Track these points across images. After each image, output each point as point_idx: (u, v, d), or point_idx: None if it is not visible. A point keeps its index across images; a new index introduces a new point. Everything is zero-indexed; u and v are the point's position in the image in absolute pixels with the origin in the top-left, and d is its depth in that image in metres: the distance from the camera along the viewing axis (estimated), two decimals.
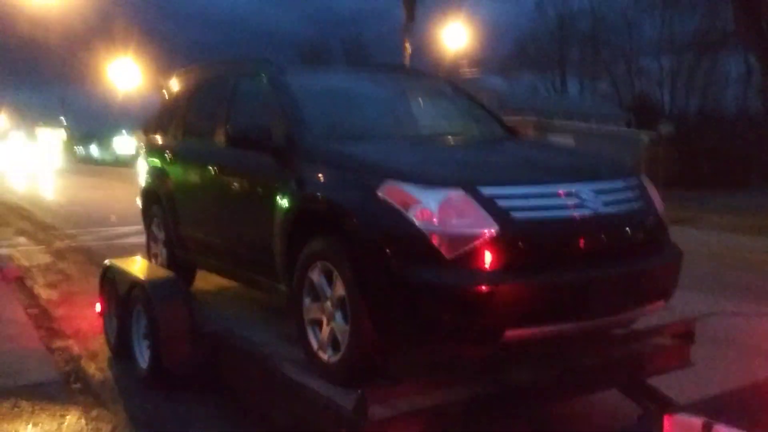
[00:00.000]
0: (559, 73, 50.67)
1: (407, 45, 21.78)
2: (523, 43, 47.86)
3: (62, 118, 76.87)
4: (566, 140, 21.11)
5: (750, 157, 29.07)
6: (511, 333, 3.09)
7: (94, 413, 4.23)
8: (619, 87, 47.08)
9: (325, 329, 3.52)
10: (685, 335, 4.03)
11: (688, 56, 40.12)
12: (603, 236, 3.35)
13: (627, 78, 46.50)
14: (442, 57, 27.77)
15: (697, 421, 2.01)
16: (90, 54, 32.39)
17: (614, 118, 38.51)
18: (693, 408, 2.13)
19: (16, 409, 4.28)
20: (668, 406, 2.84)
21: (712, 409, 2.12)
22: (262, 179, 4.19)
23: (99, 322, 5.70)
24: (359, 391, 3.05)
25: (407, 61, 21.58)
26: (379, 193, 3.23)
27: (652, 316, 3.83)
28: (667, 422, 2.08)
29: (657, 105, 42.86)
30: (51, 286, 8.02)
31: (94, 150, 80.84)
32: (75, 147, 77.51)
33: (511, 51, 46.78)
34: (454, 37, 25.94)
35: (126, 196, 19.07)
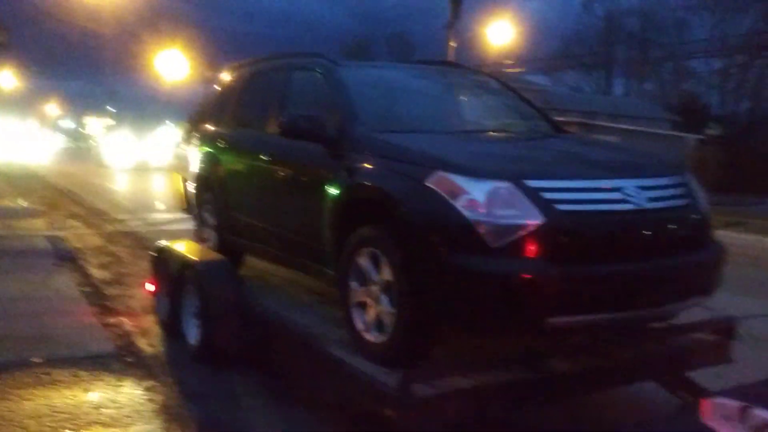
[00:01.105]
0: (605, 73, 49.98)
1: (451, 42, 21.80)
2: (568, 41, 47.29)
3: (109, 108, 78.45)
4: (610, 140, 20.90)
5: None
6: (552, 321, 3.19)
7: (147, 384, 4.45)
8: (667, 88, 46.26)
9: (371, 312, 3.66)
10: (726, 332, 4.07)
11: (740, 58, 39.20)
12: (646, 231, 3.43)
13: (674, 79, 45.64)
14: (487, 54, 27.72)
15: (735, 405, 2.09)
16: (138, 46, 33.05)
17: (660, 120, 37.90)
18: (730, 393, 2.21)
19: (74, 378, 4.52)
20: (705, 393, 2.90)
21: (748, 394, 2.19)
22: (314, 168, 4.34)
23: (150, 302, 5.95)
24: (402, 370, 3.19)
25: (452, 57, 21.60)
26: (429, 183, 3.36)
27: (694, 311, 3.88)
28: (705, 406, 2.17)
29: (705, 107, 41.99)
30: (102, 267, 8.32)
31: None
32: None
33: (557, 49, 46.25)
34: (499, 35, 25.85)
35: (170, 183, 19.61)
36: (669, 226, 3.53)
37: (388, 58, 47.35)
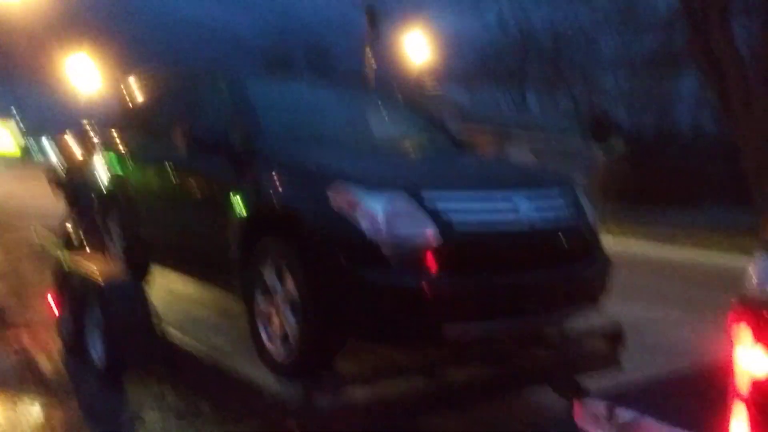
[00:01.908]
0: (520, 88, 51.45)
1: (370, 57, 22.05)
2: (485, 57, 48.47)
3: (13, 114, 75.17)
4: (524, 154, 21.58)
5: (704, 176, 29.98)
6: (447, 328, 3.32)
7: (44, 401, 4.32)
8: (578, 103, 48.04)
9: (276, 324, 3.69)
10: (615, 338, 4.30)
11: (645, 74, 41.15)
12: (535, 241, 3.61)
13: (586, 95, 47.44)
14: (406, 69, 28.11)
15: (602, 405, 2.25)
16: (47, 52, 31.91)
17: (572, 133, 39.27)
18: (600, 394, 2.37)
19: None
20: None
21: (618, 395, 2.36)
22: (220, 181, 4.34)
23: (51, 315, 5.76)
24: (305, 383, 3.24)
25: (371, 73, 21.85)
26: (328, 196, 3.43)
27: (584, 318, 4.10)
28: (576, 407, 2.32)
29: (613, 121, 43.80)
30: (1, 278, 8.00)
31: (45, 143, 79.10)
32: (25, 139, 75.82)
33: (474, 65, 47.29)
34: (417, 50, 26.31)
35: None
36: (557, 236, 3.73)
37: (308, 72, 47.32)
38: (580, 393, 3.98)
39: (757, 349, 1.96)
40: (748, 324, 1.94)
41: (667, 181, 28.42)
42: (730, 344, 1.95)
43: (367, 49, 22.17)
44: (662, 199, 26.12)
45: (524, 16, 45.19)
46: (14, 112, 72.45)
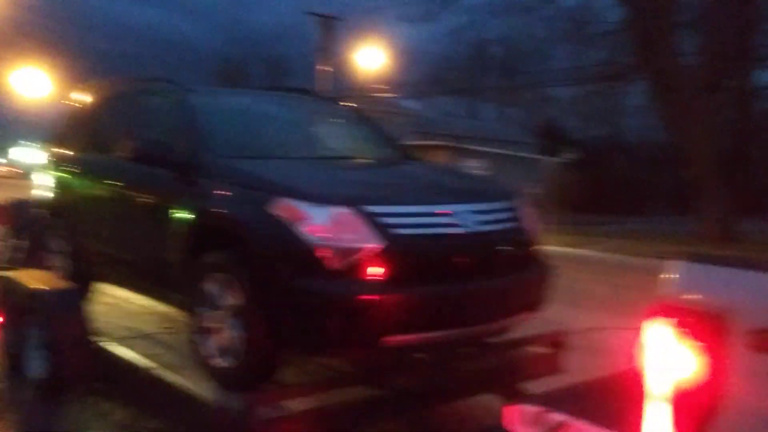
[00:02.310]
0: (474, 98, 52.12)
1: (321, 66, 22.10)
2: (439, 67, 49.00)
3: None
4: (477, 163, 21.87)
5: (651, 185, 30.77)
6: (389, 339, 3.37)
7: None
8: (532, 114, 48.85)
9: (219, 337, 3.69)
10: (557, 345, 4.39)
11: (595, 86, 42.05)
12: (477, 252, 3.69)
13: (538, 105, 48.27)
14: (359, 79, 28.26)
15: (531, 410, 2.31)
16: None
17: (527, 144, 39.92)
18: (532, 399, 2.43)
19: None
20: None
21: (548, 399, 2.43)
22: (164, 193, 4.33)
23: None
24: (248, 395, 3.25)
25: (324, 81, 21.90)
26: (272, 209, 3.46)
27: (527, 326, 4.19)
28: (506, 413, 2.38)
29: (565, 132, 44.68)
30: None
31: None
32: None
33: (428, 75, 47.77)
34: (371, 60, 26.48)
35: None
36: (498, 247, 3.82)
37: (262, 82, 47.16)
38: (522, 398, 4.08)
39: (675, 351, 2.05)
40: (666, 327, 2.03)
41: (615, 190, 29.08)
42: (645, 346, 2.04)
43: (319, 59, 22.20)
44: (611, 208, 26.70)
45: (478, 28, 45.88)
46: None
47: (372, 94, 27.95)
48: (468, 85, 49.51)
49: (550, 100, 47.69)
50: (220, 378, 3.62)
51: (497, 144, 34.82)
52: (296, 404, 3.34)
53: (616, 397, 2.52)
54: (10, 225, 7.38)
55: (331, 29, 22.23)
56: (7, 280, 5.54)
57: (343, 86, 28.68)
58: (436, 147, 24.54)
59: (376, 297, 3.31)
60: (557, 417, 2.26)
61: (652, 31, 17.19)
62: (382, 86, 30.65)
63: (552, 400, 2.43)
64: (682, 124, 17.50)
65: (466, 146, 28.54)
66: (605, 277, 11.78)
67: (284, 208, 3.43)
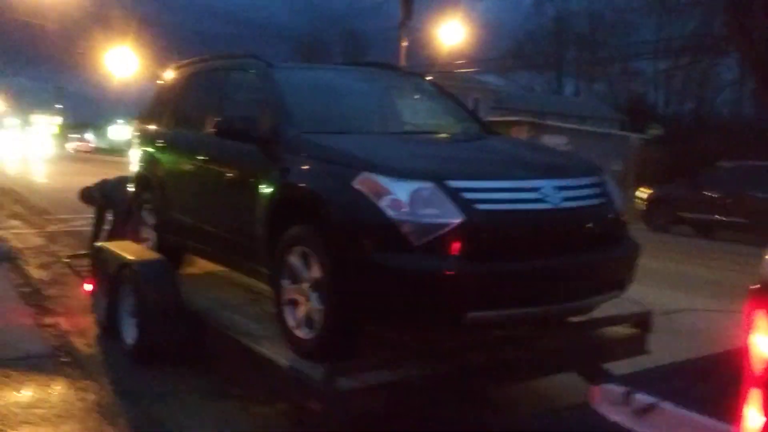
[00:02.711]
0: (556, 73, 50.89)
1: (403, 42, 21.99)
2: (520, 42, 47.97)
3: (57, 105, 76.73)
4: (558, 140, 21.37)
5: (743, 160, 29.32)
6: (471, 315, 3.34)
7: (81, 384, 4.46)
8: (615, 88, 47.36)
9: (302, 309, 3.75)
10: (642, 325, 4.28)
11: (684, 59, 40.32)
12: (562, 229, 3.61)
13: (622, 80, 46.70)
14: (439, 53, 27.98)
15: (619, 390, 2.25)
16: (88, 42, 32.39)
17: (609, 120, 38.80)
18: (620, 379, 2.37)
19: (5, 378, 4.50)
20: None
21: (636, 380, 2.36)
22: (248, 168, 4.41)
23: (89, 302, 5.92)
24: (328, 364, 3.30)
25: (403, 58, 21.79)
26: (354, 184, 3.47)
27: (611, 306, 4.08)
28: (594, 392, 2.33)
29: (650, 107, 43.13)
30: (42, 267, 8.22)
31: (89, 137, 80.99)
32: (69, 134, 77.60)
33: (509, 50, 46.84)
34: (451, 34, 26.15)
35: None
36: (584, 224, 3.72)
37: (341, 58, 47.39)
38: (605, 377, 3.99)
39: None
40: (766, 310, 1.93)
41: (703, 167, 27.84)
42: (747, 330, 1.94)
43: (401, 34, 22.08)
44: None
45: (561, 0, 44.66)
46: (57, 105, 74.09)
47: (451, 70, 27.66)
48: (549, 59, 48.32)
49: (634, 74, 46.11)
50: (302, 349, 3.69)
51: (579, 120, 33.97)
52: (374, 376, 3.38)
53: (707, 381, 2.43)
54: (98, 204, 7.78)
55: (412, 4, 22.06)
56: (100, 250, 5.82)
57: (424, 61, 28.48)
58: (516, 123, 24.12)
59: (458, 272, 3.27)
60: (647, 398, 2.20)
61: (747, 2, 16.30)
62: (462, 61, 30.31)
63: (640, 381, 2.37)
64: None
65: (546, 122, 27.93)
66: (690, 258, 11.38)
67: (366, 182, 3.43)
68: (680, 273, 9.58)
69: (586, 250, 3.69)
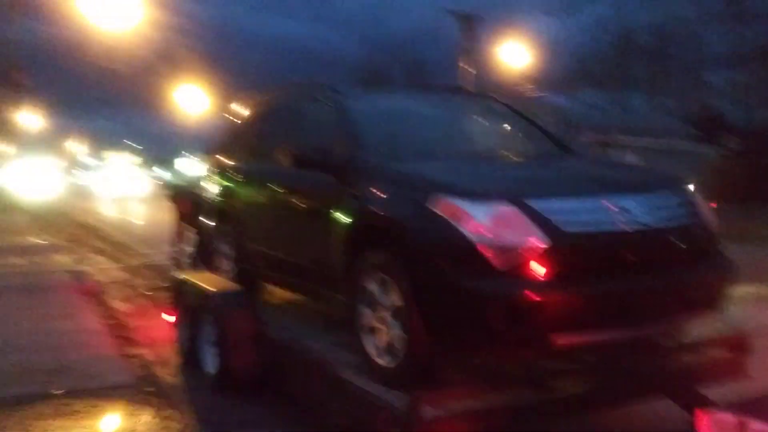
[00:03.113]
0: (623, 89, 49.81)
1: (464, 66, 21.97)
2: (585, 59, 47.21)
3: (130, 142, 79.79)
4: (629, 157, 20.87)
5: None
6: (559, 340, 3.22)
7: (165, 413, 4.52)
8: (686, 101, 45.99)
9: (382, 337, 3.71)
10: (740, 347, 4.06)
11: (757, 69, 38.89)
12: (650, 247, 3.47)
13: (693, 92, 45.32)
14: (504, 77, 27.84)
15: (732, 419, 2.11)
16: (154, 80, 33.59)
17: (680, 134, 37.64)
18: (729, 407, 2.23)
19: (93, 408, 4.62)
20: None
21: (748, 409, 2.21)
22: (324, 196, 4.43)
23: (171, 332, 6.04)
24: (412, 393, 3.24)
25: (469, 82, 21.76)
26: (432, 208, 3.42)
27: (705, 327, 3.89)
28: (702, 420, 2.19)
29: (725, 120, 41.68)
30: (126, 299, 8.46)
31: (165, 174, 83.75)
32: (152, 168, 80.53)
33: (574, 68, 46.14)
34: (514, 57, 25.99)
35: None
36: (674, 242, 3.56)
37: (404, 84, 47.66)
38: (704, 404, 3.78)
39: None
40: None
41: None
42: None
43: (461, 59, 22.09)
44: None
45: (623, 14, 43.84)
46: (137, 145, 77.23)
47: (518, 91, 27.47)
48: (616, 76, 47.40)
49: (705, 86, 44.69)
50: (384, 377, 3.64)
51: (649, 134, 33.07)
52: (460, 404, 3.30)
53: None
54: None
55: (472, 28, 22.07)
56: (182, 282, 5.95)
57: (487, 85, 28.35)
58: (585, 141, 23.73)
59: (543, 296, 3.18)
60: (761, 427, 2.05)
61: None
62: (526, 83, 30.05)
63: (750, 408, 2.22)
64: None
65: (616, 139, 27.35)
66: None
67: (444, 205, 3.39)
68: None
69: (676, 269, 3.53)
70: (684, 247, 3.60)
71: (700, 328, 3.87)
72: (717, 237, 3.85)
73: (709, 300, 3.68)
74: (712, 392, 3.92)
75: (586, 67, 46.75)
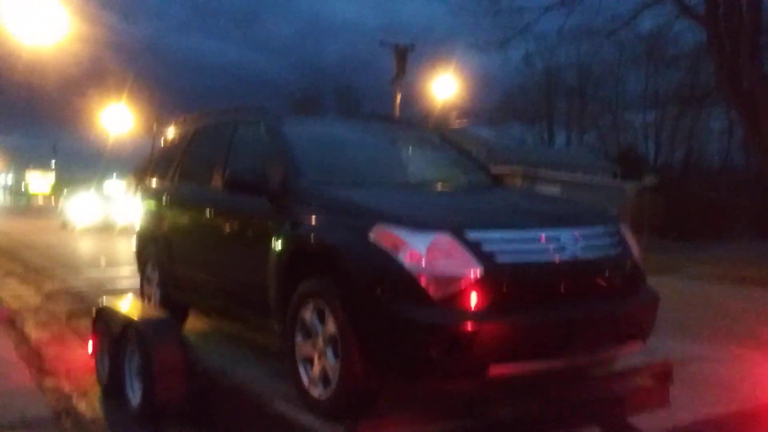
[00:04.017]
0: (547, 125, 51.48)
1: (397, 96, 22.27)
2: (511, 94, 48.62)
3: (52, 161, 77.08)
4: (553, 190, 21.47)
5: (733, 209, 29.52)
6: (494, 369, 3.24)
7: None
8: (606, 139, 47.89)
9: (317, 366, 3.65)
10: (664, 376, 4.18)
11: (672, 109, 40.97)
12: (582, 279, 3.55)
13: (613, 130, 47.30)
14: (431, 107, 28.35)
15: None
16: (83, 99, 32.65)
17: (601, 170, 39.05)
18: None
19: None
20: None
21: None
22: (258, 222, 4.36)
23: (90, 362, 5.77)
24: (347, 423, 3.19)
25: (397, 111, 22.03)
26: (371, 236, 3.41)
27: (632, 357, 4.00)
28: None
29: (642, 156, 43.59)
30: (41, 326, 8.05)
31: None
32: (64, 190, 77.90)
33: (500, 102, 47.49)
34: (443, 88, 26.53)
35: (116, 239, 19.03)
36: (604, 274, 3.66)
37: (335, 112, 47.90)
38: None
39: None
40: None
41: (697, 215, 27.97)
42: None
43: (395, 90, 22.38)
44: (692, 233, 25.67)
45: (550, 54, 45.46)
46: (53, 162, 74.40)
47: (444, 122, 27.95)
48: (540, 112, 48.95)
49: (624, 124, 46.71)
50: (318, 407, 3.58)
51: (571, 170, 34.15)
52: None
53: None
54: None
55: (405, 58, 22.42)
56: (102, 309, 5.70)
57: (417, 114, 28.79)
58: (510, 174, 24.28)
59: (480, 326, 3.20)
60: None
61: (737, 51, 16.58)
62: (454, 114, 30.66)
63: None
64: None
65: (540, 173, 28.10)
66: (699, 303, 11.26)
67: (382, 234, 3.38)
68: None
69: (607, 300, 3.63)
70: (614, 278, 3.70)
71: (627, 357, 3.96)
72: (643, 270, 3.98)
73: (638, 330, 3.78)
74: (639, 420, 4.01)
75: (512, 101, 48.18)
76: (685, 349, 6.63)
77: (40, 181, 76.27)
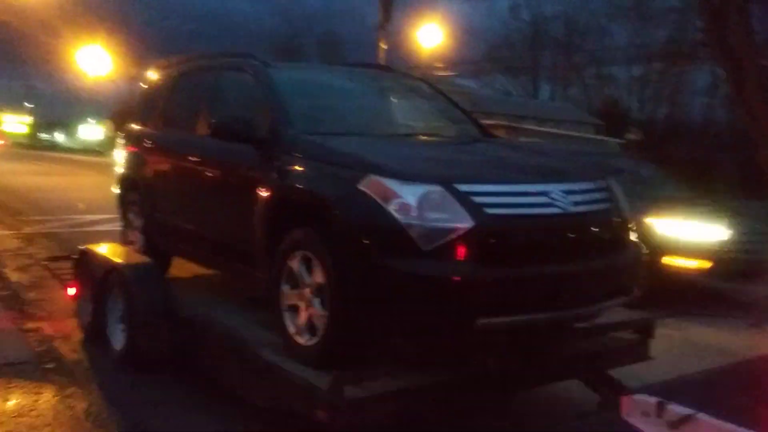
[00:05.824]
0: (532, 77, 51.19)
1: (382, 44, 21.93)
2: (496, 45, 48.16)
3: (26, 104, 75.52)
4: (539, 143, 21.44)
5: (716, 166, 29.75)
6: (482, 321, 3.25)
7: (68, 391, 4.30)
8: (590, 93, 47.79)
9: (303, 315, 3.64)
10: (645, 331, 4.24)
11: (658, 65, 40.81)
12: (571, 233, 3.54)
13: (598, 84, 47.15)
14: (416, 57, 27.99)
15: (652, 400, 2.18)
16: (59, 40, 31.78)
17: (585, 124, 39.10)
18: (647, 389, 2.31)
19: None
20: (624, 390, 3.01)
21: (666, 391, 2.30)
22: (245, 170, 4.29)
23: (71, 306, 5.73)
24: (334, 372, 3.20)
25: (382, 59, 21.71)
26: (361, 187, 3.37)
27: (615, 312, 4.04)
28: (625, 403, 2.25)
29: (626, 112, 43.58)
30: (21, 270, 7.99)
31: (59, 137, 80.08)
32: (39, 134, 76.59)
33: (485, 54, 46.99)
34: (428, 38, 26.16)
35: (92, 184, 18.78)
36: (593, 229, 3.66)
37: (317, 60, 47.19)
38: (613, 386, 3.94)
39: None
40: None
41: (679, 172, 28.19)
42: None
43: (379, 38, 22.01)
44: None
45: (536, 4, 44.94)
46: (27, 104, 72.91)
47: (429, 72, 27.64)
48: (526, 64, 48.58)
49: (608, 79, 46.55)
50: (303, 356, 3.57)
51: (554, 124, 34.20)
52: (383, 385, 3.28)
53: (739, 390, 2.38)
54: None
55: (391, 7, 22.00)
56: (85, 253, 5.65)
57: (402, 64, 28.43)
58: (493, 126, 24.22)
59: (468, 278, 3.20)
60: (682, 410, 2.13)
61: (725, 6, 16.44)
62: (439, 64, 30.31)
63: (672, 392, 2.30)
64: (754, 103, 16.76)
65: (523, 125, 28.06)
66: None
67: (374, 185, 3.34)
68: None
69: (596, 255, 3.63)
70: (603, 233, 3.71)
71: (610, 312, 4.00)
72: (631, 225, 3.99)
73: (625, 285, 3.81)
74: (621, 373, 4.08)
75: (498, 52, 47.73)
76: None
77: (15, 124, 74.79)
